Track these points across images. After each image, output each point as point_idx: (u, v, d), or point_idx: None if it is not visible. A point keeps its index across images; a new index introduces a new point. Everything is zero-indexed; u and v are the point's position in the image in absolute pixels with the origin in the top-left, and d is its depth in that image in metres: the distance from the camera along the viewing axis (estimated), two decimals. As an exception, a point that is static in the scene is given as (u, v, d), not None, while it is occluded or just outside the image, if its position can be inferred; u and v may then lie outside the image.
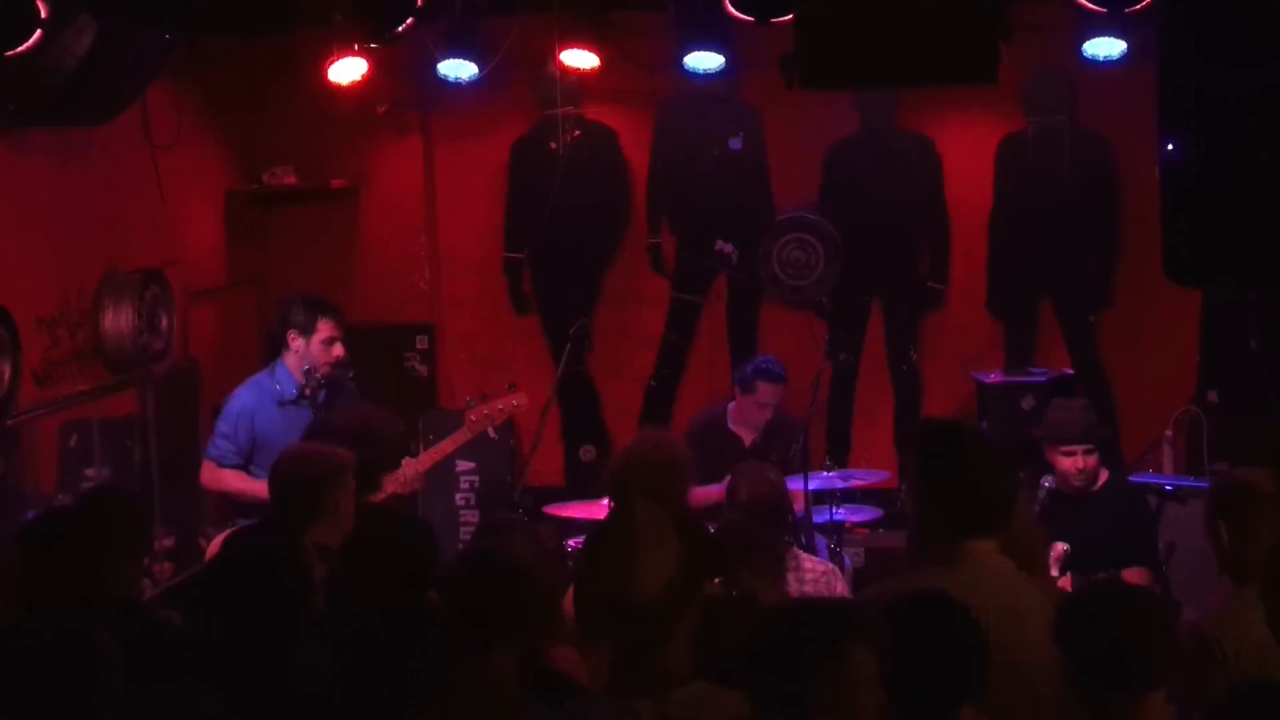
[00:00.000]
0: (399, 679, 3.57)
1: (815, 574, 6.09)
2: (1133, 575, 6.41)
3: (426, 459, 7.10)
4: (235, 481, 7.08)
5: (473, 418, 7.19)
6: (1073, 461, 6.72)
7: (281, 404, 7.11)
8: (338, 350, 7.20)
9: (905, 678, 3.43)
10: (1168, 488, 7.84)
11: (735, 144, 9.46)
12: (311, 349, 7.15)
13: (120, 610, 4.42)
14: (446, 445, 7.21)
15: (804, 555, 6.26)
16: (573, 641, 4.61)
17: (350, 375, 7.39)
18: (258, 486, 6.92)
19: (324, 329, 7.18)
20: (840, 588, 6.17)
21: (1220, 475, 5.91)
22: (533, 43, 8.67)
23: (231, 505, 7.33)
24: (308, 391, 7.10)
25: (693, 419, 8.91)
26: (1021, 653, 3.83)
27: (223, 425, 7.19)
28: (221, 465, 7.14)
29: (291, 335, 7.18)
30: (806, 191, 9.47)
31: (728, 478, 6.26)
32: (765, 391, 8.28)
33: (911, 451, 4.32)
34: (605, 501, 7.27)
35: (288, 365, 7.19)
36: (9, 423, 7.06)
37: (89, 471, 7.73)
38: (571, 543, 7.15)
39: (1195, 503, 7.63)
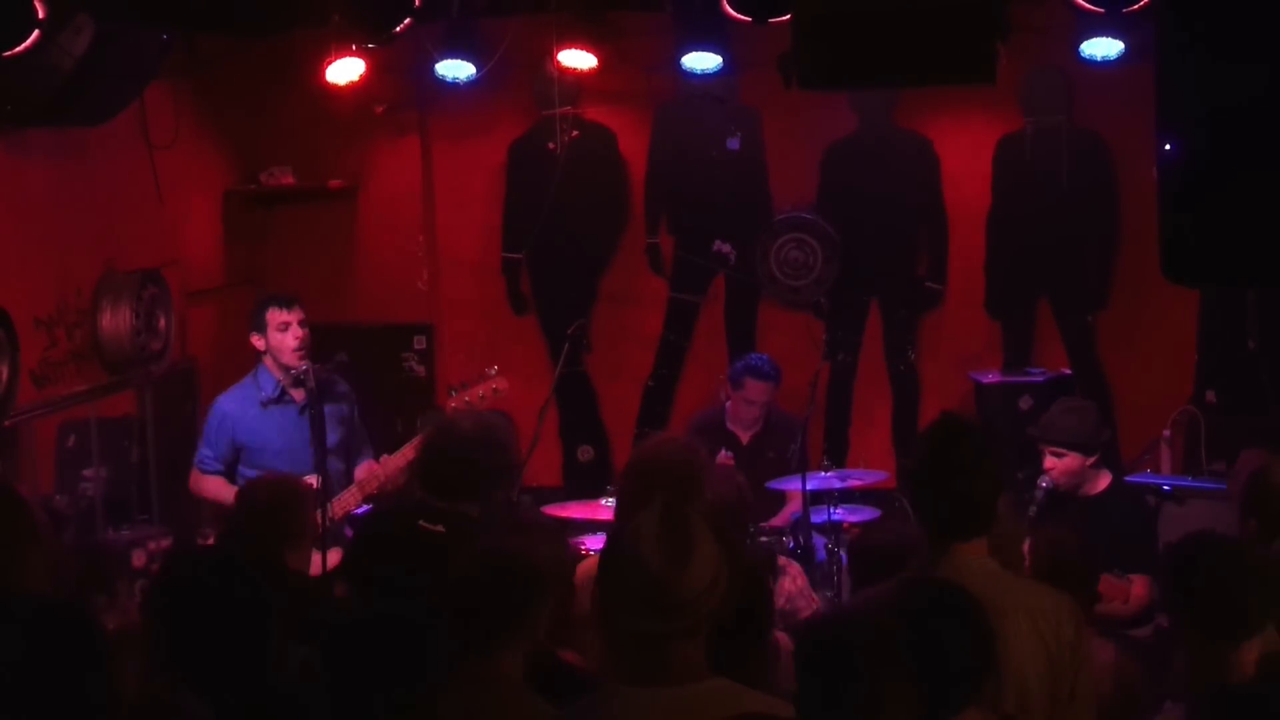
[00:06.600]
0: (390, 683, 3.56)
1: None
2: (1135, 582, 6.42)
3: (409, 450, 7.12)
4: (214, 489, 7.26)
5: (454, 405, 7.21)
6: (1046, 460, 6.83)
7: (264, 405, 7.23)
8: (294, 335, 7.22)
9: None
10: (1166, 488, 7.84)
11: (733, 144, 9.45)
12: (271, 343, 7.26)
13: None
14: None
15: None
16: (574, 645, 4.61)
17: (337, 370, 7.44)
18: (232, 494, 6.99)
19: (272, 317, 7.27)
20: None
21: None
22: (531, 43, 8.66)
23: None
24: (292, 393, 7.21)
25: (691, 418, 8.93)
26: (1006, 650, 3.83)
27: (205, 432, 7.37)
28: (204, 472, 7.33)
29: (254, 338, 7.34)
30: (805, 191, 9.47)
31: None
32: (753, 388, 8.31)
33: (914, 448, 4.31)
34: (604, 501, 7.33)
35: (266, 366, 7.30)
36: (7, 423, 7.05)
37: (87, 472, 7.74)
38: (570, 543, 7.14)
39: (1193, 503, 7.66)
